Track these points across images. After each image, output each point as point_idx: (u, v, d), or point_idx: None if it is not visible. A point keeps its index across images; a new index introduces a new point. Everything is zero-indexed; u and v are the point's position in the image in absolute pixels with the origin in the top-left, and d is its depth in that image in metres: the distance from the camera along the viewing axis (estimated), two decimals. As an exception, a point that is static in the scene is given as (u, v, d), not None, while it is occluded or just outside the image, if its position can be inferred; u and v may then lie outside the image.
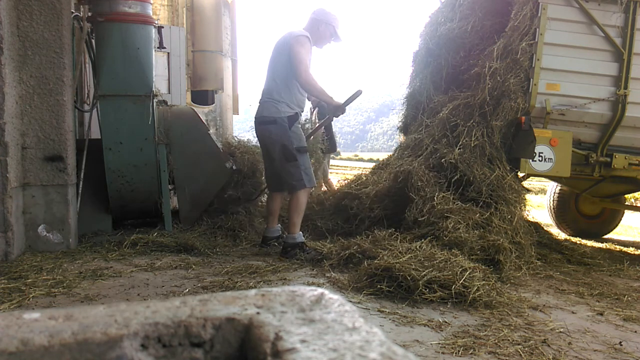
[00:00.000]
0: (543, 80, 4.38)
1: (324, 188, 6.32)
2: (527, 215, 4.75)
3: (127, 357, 0.50)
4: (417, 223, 3.93)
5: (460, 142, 4.26)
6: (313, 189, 4.34)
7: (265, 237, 4.16)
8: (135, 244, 3.92)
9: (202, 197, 4.64)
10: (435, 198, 3.96)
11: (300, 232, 3.90)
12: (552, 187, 6.26)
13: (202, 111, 7.97)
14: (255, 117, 3.98)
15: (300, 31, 3.87)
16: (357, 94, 4.03)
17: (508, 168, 4.31)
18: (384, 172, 4.88)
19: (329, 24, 3.97)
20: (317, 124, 5.16)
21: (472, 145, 4.21)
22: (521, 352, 2.23)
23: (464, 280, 2.90)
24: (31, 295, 2.72)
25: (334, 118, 4.17)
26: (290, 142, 3.79)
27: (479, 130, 4.26)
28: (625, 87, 4.44)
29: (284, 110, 3.81)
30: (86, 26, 4.13)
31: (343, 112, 3.98)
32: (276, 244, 4.13)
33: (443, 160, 4.21)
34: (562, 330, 2.59)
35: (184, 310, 0.55)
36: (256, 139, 4.26)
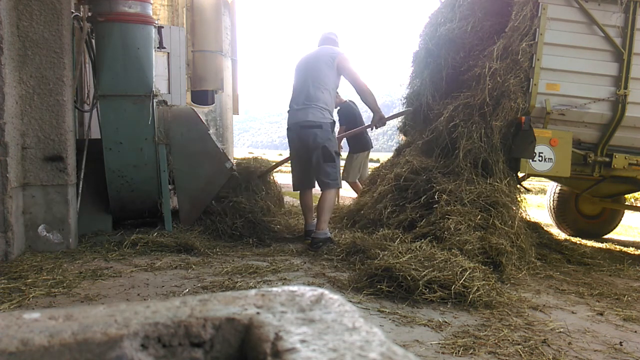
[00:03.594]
0: (543, 80, 4.37)
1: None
2: (526, 216, 4.75)
3: (127, 357, 0.50)
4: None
5: (455, 151, 4.28)
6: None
7: (308, 230, 4.48)
8: (135, 244, 3.92)
9: (202, 197, 4.64)
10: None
11: (328, 229, 4.29)
12: (552, 187, 6.26)
13: (202, 111, 7.97)
14: (296, 121, 4.35)
15: (341, 51, 4.51)
16: (404, 112, 4.90)
17: (504, 172, 4.30)
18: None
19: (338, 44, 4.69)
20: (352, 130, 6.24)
21: (463, 154, 4.20)
22: (521, 352, 2.23)
23: (464, 280, 2.90)
24: (31, 295, 2.72)
25: (374, 128, 4.80)
26: (332, 145, 4.26)
27: (478, 131, 4.26)
28: (625, 87, 4.43)
29: (328, 117, 4.30)
30: (86, 26, 4.13)
31: (384, 124, 4.71)
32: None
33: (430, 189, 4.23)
34: (562, 330, 2.59)
35: (184, 310, 0.55)
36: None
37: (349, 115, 6.89)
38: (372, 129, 5.03)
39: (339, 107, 6.92)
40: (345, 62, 4.38)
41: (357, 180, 6.91)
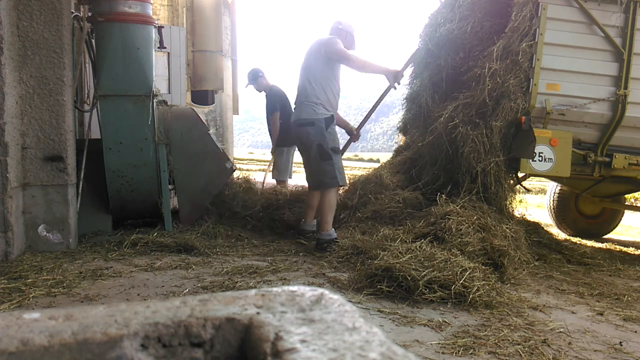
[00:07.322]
0: (543, 80, 4.37)
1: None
2: (526, 217, 4.75)
3: (127, 357, 0.50)
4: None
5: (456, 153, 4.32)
6: (342, 188, 4.69)
7: (303, 229, 4.39)
8: (135, 244, 3.92)
9: (202, 197, 4.64)
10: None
11: (333, 229, 4.13)
12: (552, 187, 6.26)
13: (202, 111, 7.96)
14: (293, 120, 4.27)
15: (330, 36, 4.26)
16: (414, 56, 4.48)
17: (504, 173, 4.33)
18: None
19: (351, 34, 4.38)
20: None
21: (466, 154, 4.23)
22: (521, 352, 2.23)
23: (464, 280, 2.90)
24: (31, 295, 2.72)
25: (396, 85, 4.44)
26: (326, 142, 4.06)
27: (478, 131, 4.26)
28: (625, 87, 4.43)
29: (321, 112, 4.10)
30: (86, 26, 4.13)
31: (402, 76, 4.40)
32: (308, 238, 4.34)
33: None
34: (562, 330, 2.59)
35: (184, 310, 0.55)
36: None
37: (274, 101, 6.32)
38: (395, 89, 4.57)
39: (264, 92, 6.47)
40: (331, 46, 4.12)
41: (287, 179, 6.27)
